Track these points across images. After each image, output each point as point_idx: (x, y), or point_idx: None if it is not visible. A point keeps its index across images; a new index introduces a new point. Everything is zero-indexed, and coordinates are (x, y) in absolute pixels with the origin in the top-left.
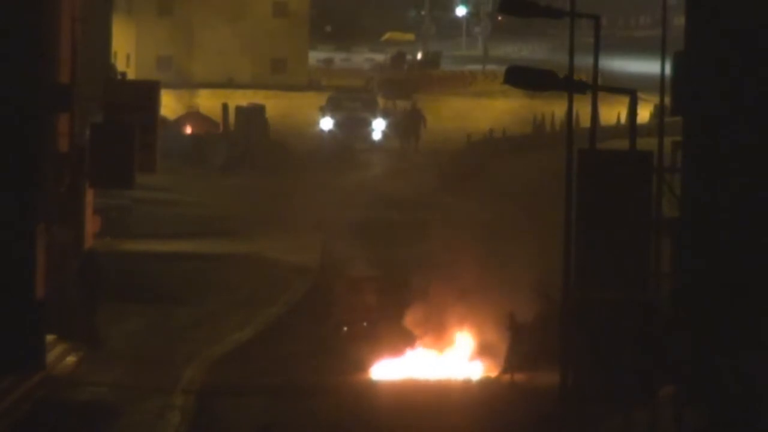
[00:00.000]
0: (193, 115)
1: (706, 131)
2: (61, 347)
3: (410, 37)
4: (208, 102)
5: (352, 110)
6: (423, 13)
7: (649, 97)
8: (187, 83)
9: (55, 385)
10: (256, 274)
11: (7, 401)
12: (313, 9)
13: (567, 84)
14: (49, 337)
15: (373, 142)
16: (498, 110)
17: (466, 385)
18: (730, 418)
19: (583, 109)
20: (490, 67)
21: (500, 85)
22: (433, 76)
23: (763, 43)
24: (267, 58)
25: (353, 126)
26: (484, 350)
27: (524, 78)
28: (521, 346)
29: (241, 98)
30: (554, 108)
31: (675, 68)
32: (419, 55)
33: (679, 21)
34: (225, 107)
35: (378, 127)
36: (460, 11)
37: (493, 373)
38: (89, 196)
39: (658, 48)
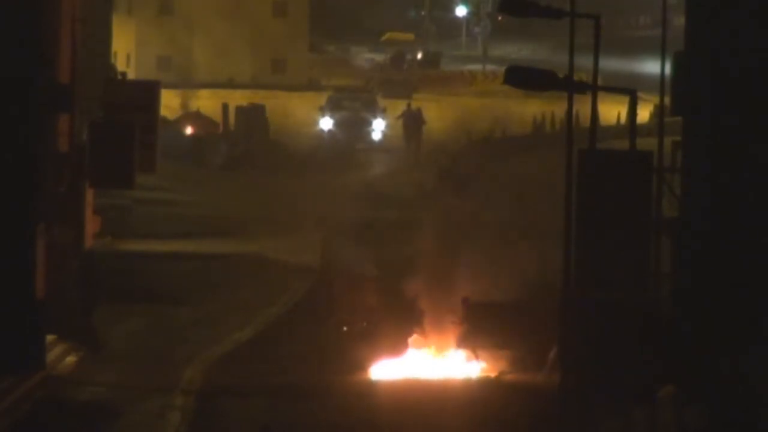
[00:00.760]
0: (193, 115)
1: (706, 131)
2: (61, 347)
3: (410, 37)
4: (208, 102)
5: (352, 110)
6: (423, 13)
7: (649, 97)
8: (187, 83)
9: (55, 385)
10: (256, 274)
11: (7, 401)
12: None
13: (567, 84)
14: (49, 337)
15: (373, 142)
16: (498, 110)
17: (466, 384)
18: (730, 418)
19: (583, 109)
20: (490, 67)
21: (500, 85)
22: (433, 76)
23: (762, 43)
24: (267, 58)
25: (353, 126)
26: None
27: (524, 78)
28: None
29: (241, 98)
30: (554, 108)
31: (675, 68)
32: (419, 55)
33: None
34: (225, 107)
35: (378, 127)
36: (460, 11)
37: (493, 373)
38: (89, 196)
39: (658, 48)
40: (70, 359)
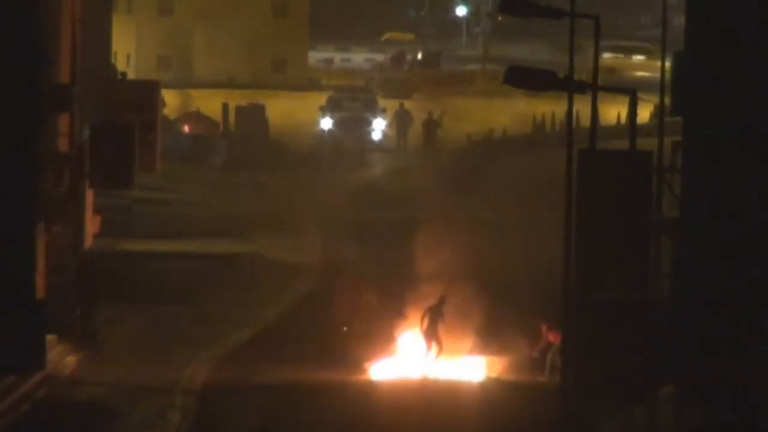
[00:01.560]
0: (193, 115)
1: (706, 131)
2: (61, 347)
3: (410, 37)
4: (208, 102)
5: (352, 110)
6: (423, 13)
7: (649, 97)
8: (187, 83)
9: (55, 385)
10: (256, 274)
11: (7, 401)
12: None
13: (567, 84)
14: (49, 337)
15: (373, 142)
16: (498, 110)
17: (467, 385)
18: (730, 418)
19: (583, 109)
20: (490, 67)
21: (500, 85)
22: (433, 76)
23: (762, 42)
24: (267, 58)
25: (353, 126)
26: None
27: (524, 78)
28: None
29: (241, 98)
30: (554, 108)
31: (675, 68)
32: (419, 55)
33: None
34: (225, 107)
35: (378, 127)
36: (460, 11)
37: (494, 374)
38: (89, 196)
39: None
40: (70, 359)
